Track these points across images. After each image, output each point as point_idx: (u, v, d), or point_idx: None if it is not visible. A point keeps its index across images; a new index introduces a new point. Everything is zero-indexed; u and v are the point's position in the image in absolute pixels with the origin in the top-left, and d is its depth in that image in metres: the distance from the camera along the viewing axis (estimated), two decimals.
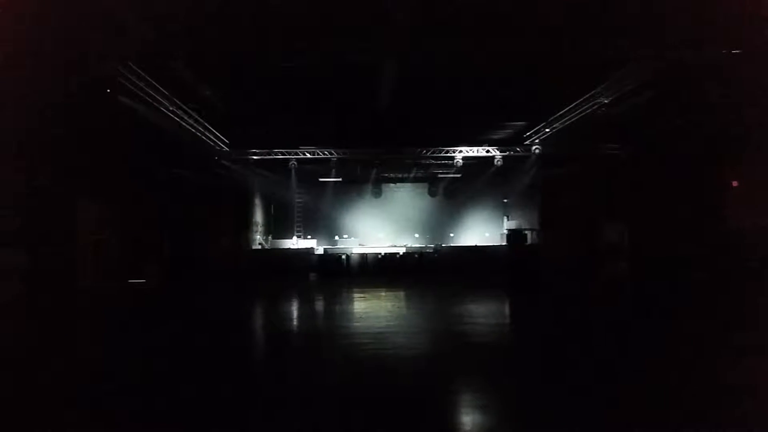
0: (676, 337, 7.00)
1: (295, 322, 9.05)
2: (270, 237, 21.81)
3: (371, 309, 9.89)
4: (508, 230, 19.02)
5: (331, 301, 11.37)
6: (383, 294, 12.19)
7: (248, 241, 19.04)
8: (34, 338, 7.48)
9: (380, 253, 17.94)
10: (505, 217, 22.40)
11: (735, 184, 12.63)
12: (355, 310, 9.89)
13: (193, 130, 14.05)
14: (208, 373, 5.40)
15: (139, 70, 10.02)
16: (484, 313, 9.52)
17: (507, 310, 10.26)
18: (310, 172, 19.97)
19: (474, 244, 20.39)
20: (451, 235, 22.60)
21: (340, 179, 20.96)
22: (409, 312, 9.67)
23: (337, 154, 17.62)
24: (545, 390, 4.71)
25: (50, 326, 8.43)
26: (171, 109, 12.04)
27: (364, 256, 17.69)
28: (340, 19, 8.33)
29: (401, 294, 12.29)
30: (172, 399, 4.58)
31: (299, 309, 10.64)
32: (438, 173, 21.32)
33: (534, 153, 17.05)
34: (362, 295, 12.01)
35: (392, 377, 5.17)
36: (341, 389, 4.83)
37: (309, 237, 21.94)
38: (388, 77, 10.56)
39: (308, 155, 17.65)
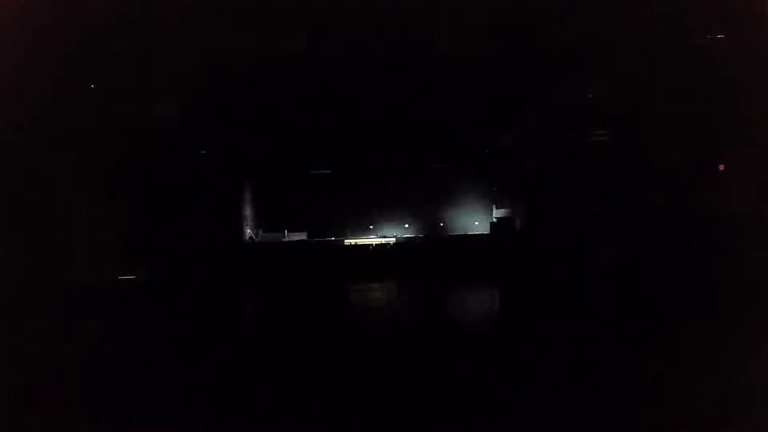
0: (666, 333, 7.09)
1: (290, 316, 9.03)
2: (260, 231, 21.67)
3: (364, 302, 9.90)
4: (496, 218, 19.16)
5: (324, 296, 11.37)
6: (375, 286, 12.22)
7: (238, 234, 18.90)
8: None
9: (371, 245, 17.92)
10: (493, 206, 22.54)
11: (722, 167, 12.71)
12: (349, 304, 9.89)
13: (182, 124, 13.82)
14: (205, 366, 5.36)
15: (128, 63, 9.78)
16: (471, 302, 9.58)
17: (496, 299, 10.33)
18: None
19: (463, 233, 20.47)
20: (441, 224, 22.64)
21: (329, 171, 20.91)
22: (403, 304, 9.69)
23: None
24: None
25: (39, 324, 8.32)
26: (158, 101, 11.82)
27: (356, 248, 17.67)
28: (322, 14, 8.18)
29: (393, 286, 12.32)
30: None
31: (294, 303, 10.61)
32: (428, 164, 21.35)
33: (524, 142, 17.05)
34: (357, 288, 12.04)
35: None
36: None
37: (299, 230, 21.84)
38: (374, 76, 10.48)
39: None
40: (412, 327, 7.31)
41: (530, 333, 6.93)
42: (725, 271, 9.77)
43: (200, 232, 15.79)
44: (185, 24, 7.98)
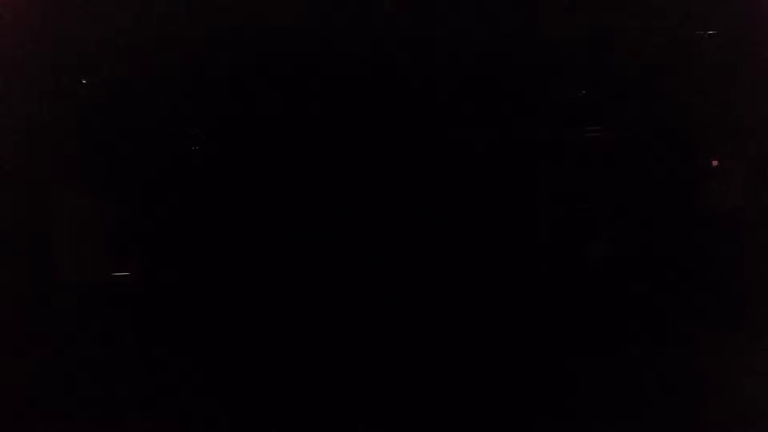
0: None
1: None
2: None
3: None
4: None
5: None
6: None
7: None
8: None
9: None
10: None
11: (715, 163, 12.76)
12: None
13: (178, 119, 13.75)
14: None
15: (122, 58, 9.67)
16: None
17: None
18: None
19: None
20: None
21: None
22: None
23: None
24: None
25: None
26: (153, 97, 11.73)
27: None
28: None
29: None
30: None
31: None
32: None
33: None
34: None
35: None
36: None
37: None
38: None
39: None
40: None
41: None
42: (723, 271, 9.76)
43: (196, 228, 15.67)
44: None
